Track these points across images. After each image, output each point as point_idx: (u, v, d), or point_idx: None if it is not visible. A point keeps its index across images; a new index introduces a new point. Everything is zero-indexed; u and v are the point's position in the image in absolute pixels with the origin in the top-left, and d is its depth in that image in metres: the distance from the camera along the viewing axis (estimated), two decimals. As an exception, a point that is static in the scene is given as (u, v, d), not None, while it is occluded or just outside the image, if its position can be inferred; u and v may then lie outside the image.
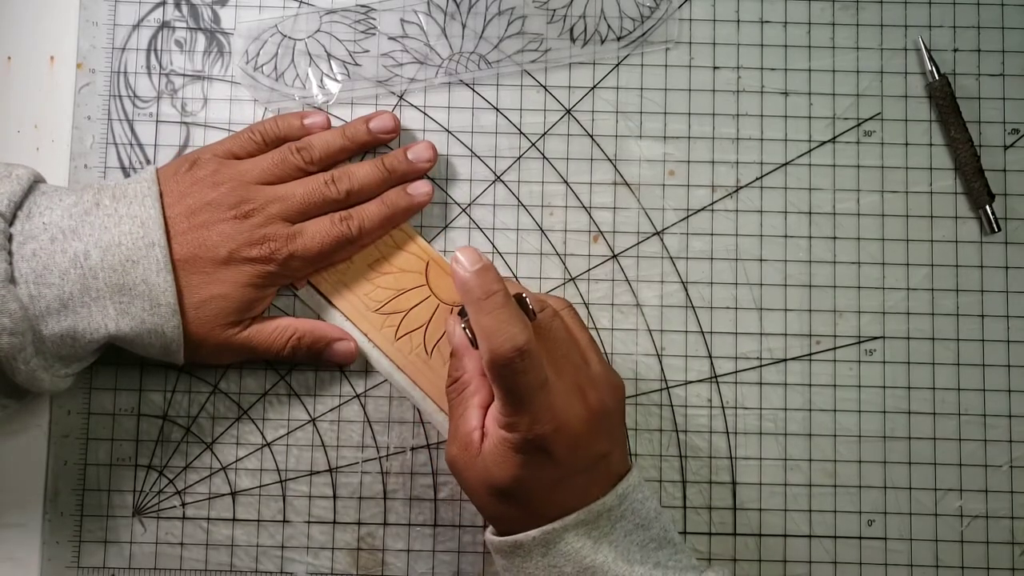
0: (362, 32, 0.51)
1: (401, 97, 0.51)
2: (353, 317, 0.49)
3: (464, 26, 0.51)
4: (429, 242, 0.51)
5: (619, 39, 0.51)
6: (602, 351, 0.44)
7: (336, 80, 0.51)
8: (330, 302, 0.49)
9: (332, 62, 0.51)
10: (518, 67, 0.51)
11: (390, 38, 0.51)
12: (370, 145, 0.50)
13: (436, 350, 0.49)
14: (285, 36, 0.51)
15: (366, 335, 0.49)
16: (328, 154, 0.48)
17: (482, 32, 0.51)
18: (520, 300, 0.42)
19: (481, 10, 0.51)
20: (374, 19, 0.51)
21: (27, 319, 0.42)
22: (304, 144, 0.48)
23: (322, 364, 0.49)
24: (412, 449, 0.49)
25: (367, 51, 0.51)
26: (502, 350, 0.39)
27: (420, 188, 0.49)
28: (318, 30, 0.51)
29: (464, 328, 0.43)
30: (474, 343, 0.42)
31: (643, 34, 0.51)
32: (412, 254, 0.50)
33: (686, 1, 0.52)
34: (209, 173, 0.46)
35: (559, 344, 0.42)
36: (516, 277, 0.51)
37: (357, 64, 0.51)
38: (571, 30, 0.52)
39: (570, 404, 0.41)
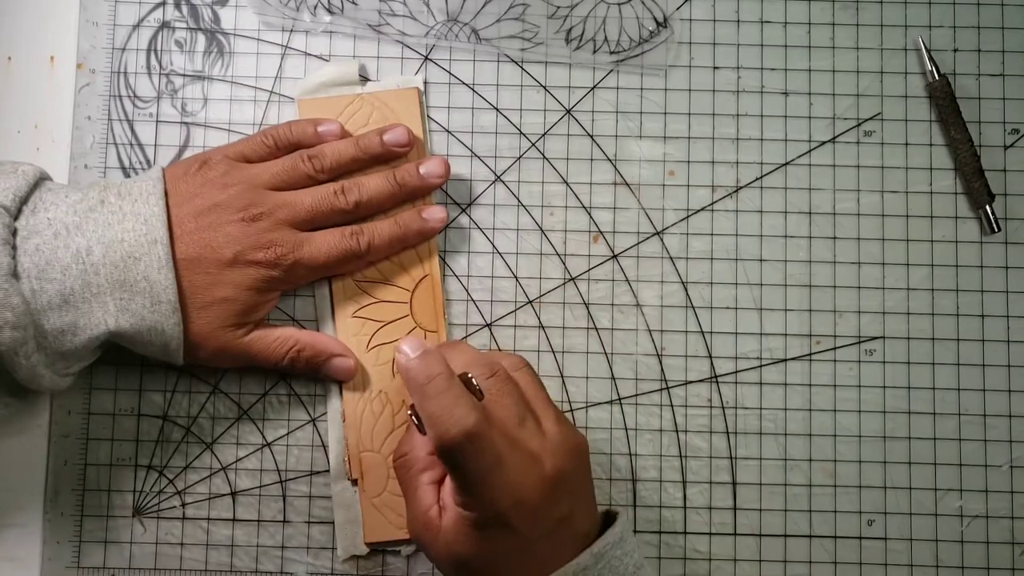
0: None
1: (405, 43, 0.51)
2: (338, 308, 0.49)
3: (470, -10, 0.51)
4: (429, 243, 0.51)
5: (612, 52, 0.51)
6: (558, 408, 0.44)
7: (330, 12, 0.51)
8: (331, 288, 0.49)
9: None
10: (506, 53, 0.51)
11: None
12: (383, 157, 0.49)
13: (391, 364, 0.49)
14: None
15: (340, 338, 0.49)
16: (339, 163, 0.48)
17: (483, 4, 0.51)
18: (465, 380, 0.41)
19: (490, -19, 0.51)
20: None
21: (29, 313, 0.42)
22: (316, 152, 0.48)
23: (319, 377, 0.49)
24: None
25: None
26: (449, 436, 0.39)
27: (435, 214, 0.49)
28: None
29: (410, 414, 0.43)
30: (421, 428, 0.42)
31: (637, 55, 0.51)
32: (417, 255, 0.50)
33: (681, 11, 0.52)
34: (219, 175, 0.46)
35: (512, 413, 0.41)
36: (516, 277, 0.51)
37: (354, 3, 0.51)
38: (568, 31, 0.52)
39: (526, 476, 0.40)
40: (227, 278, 0.45)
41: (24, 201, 0.43)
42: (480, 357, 0.44)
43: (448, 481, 0.42)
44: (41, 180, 0.45)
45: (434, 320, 0.49)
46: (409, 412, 0.43)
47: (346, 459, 0.48)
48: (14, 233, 0.42)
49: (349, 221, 0.48)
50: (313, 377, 0.49)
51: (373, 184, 0.48)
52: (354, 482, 0.49)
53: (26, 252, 0.42)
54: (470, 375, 0.42)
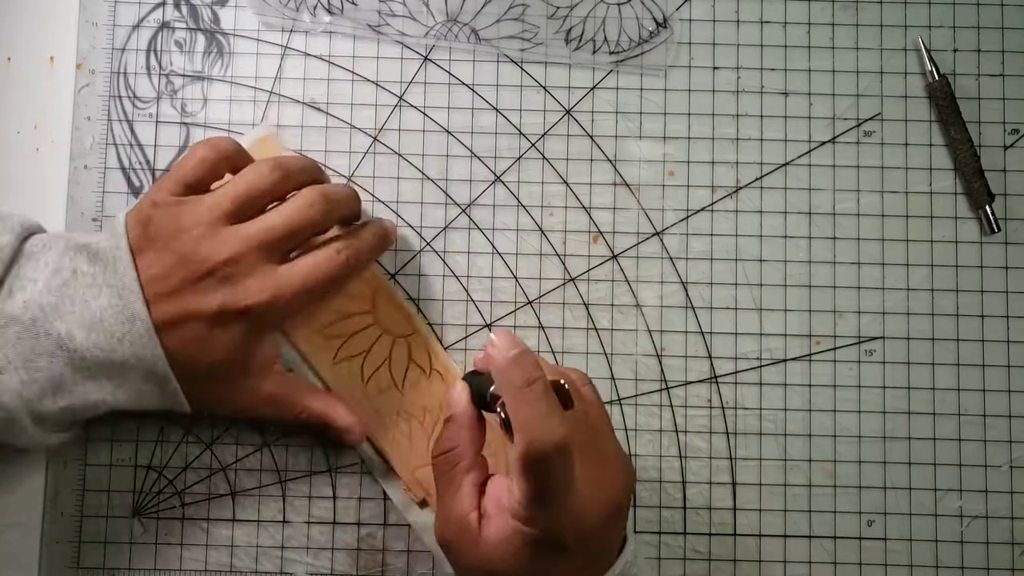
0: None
1: (404, 44, 0.51)
2: (292, 335, 0.48)
3: (469, -9, 0.51)
4: (429, 242, 0.51)
5: (612, 53, 0.51)
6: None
7: (330, 12, 0.51)
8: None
9: None
10: (506, 53, 0.51)
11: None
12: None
13: (373, 379, 0.49)
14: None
15: (304, 356, 0.48)
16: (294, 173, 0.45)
17: (483, 4, 0.51)
18: (559, 388, 0.39)
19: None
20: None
21: (24, 405, 0.41)
22: (276, 164, 0.45)
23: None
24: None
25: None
26: (540, 445, 0.36)
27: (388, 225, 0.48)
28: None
29: (500, 412, 0.39)
30: (507, 428, 0.38)
31: (637, 56, 0.51)
32: (361, 279, 0.49)
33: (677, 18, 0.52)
34: (170, 219, 0.43)
35: (585, 432, 0.40)
36: (516, 278, 0.51)
37: (354, 3, 0.51)
38: (568, 31, 0.52)
39: (593, 500, 0.38)
40: (217, 337, 0.42)
41: (0, 283, 0.42)
42: (552, 369, 0.42)
43: (496, 489, 0.40)
44: (22, 244, 0.43)
45: (405, 324, 0.49)
46: (499, 411, 0.39)
47: (403, 488, 0.48)
48: None
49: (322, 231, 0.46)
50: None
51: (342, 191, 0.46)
52: (423, 503, 0.48)
53: (7, 342, 0.41)
54: (564, 383, 0.39)
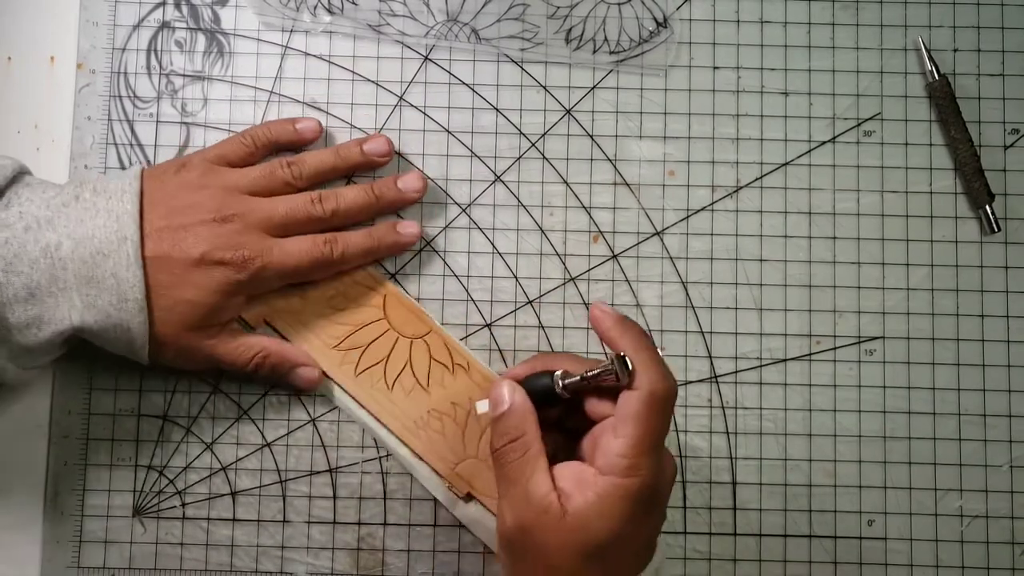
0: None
1: (403, 44, 0.51)
2: (312, 355, 0.49)
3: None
4: (429, 242, 0.51)
5: (612, 53, 0.51)
6: None
7: (330, 12, 0.51)
8: (285, 337, 0.49)
9: None
10: (506, 53, 0.51)
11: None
12: (362, 167, 0.50)
13: (397, 383, 0.49)
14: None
15: (326, 373, 0.49)
16: (318, 172, 0.48)
17: (483, 4, 0.51)
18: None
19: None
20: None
21: None
22: (296, 159, 0.48)
23: (282, 386, 0.49)
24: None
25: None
26: (666, 384, 0.40)
27: (409, 229, 0.49)
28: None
29: (615, 361, 0.40)
30: (620, 376, 0.40)
31: (637, 56, 0.51)
32: (368, 287, 0.50)
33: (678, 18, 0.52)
34: (196, 176, 0.46)
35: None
36: (516, 277, 0.51)
37: (354, 3, 0.51)
38: (568, 31, 0.52)
39: (669, 463, 0.42)
40: (193, 278, 0.44)
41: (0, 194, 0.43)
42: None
43: (571, 470, 0.41)
44: (19, 175, 0.45)
45: (419, 324, 0.49)
46: (612, 361, 0.40)
47: (447, 485, 0.48)
48: None
49: (323, 230, 0.48)
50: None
51: (351, 195, 0.48)
52: (469, 497, 0.48)
53: None
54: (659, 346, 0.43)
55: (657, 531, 0.42)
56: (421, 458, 0.49)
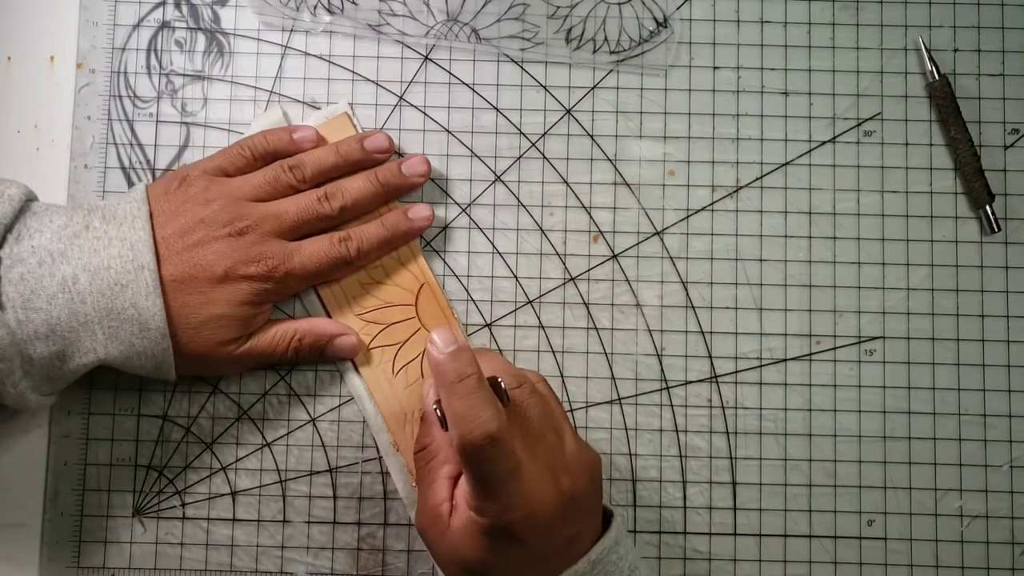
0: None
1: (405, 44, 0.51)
2: (334, 313, 0.49)
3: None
4: (429, 242, 0.51)
5: (612, 53, 0.51)
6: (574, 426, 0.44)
7: (330, 12, 0.51)
8: (319, 295, 0.49)
9: None
10: (506, 53, 0.51)
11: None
12: (363, 164, 0.49)
13: (403, 372, 0.49)
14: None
15: None
16: (320, 172, 0.48)
17: (483, 4, 0.51)
18: (494, 384, 0.41)
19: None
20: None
21: (15, 344, 0.41)
22: (296, 162, 0.48)
23: (325, 360, 0.49)
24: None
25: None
26: (472, 437, 0.38)
27: (421, 212, 0.49)
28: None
29: (435, 408, 0.42)
30: (444, 424, 0.41)
31: (637, 55, 0.51)
32: (410, 272, 0.50)
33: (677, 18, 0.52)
34: (200, 190, 0.46)
35: (534, 424, 0.41)
36: (516, 277, 0.51)
37: (354, 3, 0.51)
38: (568, 31, 0.52)
39: (542, 490, 0.40)
40: (219, 295, 0.44)
41: (8, 229, 0.43)
42: (508, 367, 0.44)
43: (463, 482, 0.41)
44: (27, 203, 0.44)
45: (442, 322, 0.50)
46: (434, 407, 0.42)
47: (413, 484, 0.48)
48: None
49: (335, 226, 0.48)
50: (314, 369, 0.49)
51: (356, 187, 0.48)
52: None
53: (10, 281, 0.42)
54: (500, 380, 0.41)
55: (546, 554, 0.40)
56: (398, 450, 0.49)
